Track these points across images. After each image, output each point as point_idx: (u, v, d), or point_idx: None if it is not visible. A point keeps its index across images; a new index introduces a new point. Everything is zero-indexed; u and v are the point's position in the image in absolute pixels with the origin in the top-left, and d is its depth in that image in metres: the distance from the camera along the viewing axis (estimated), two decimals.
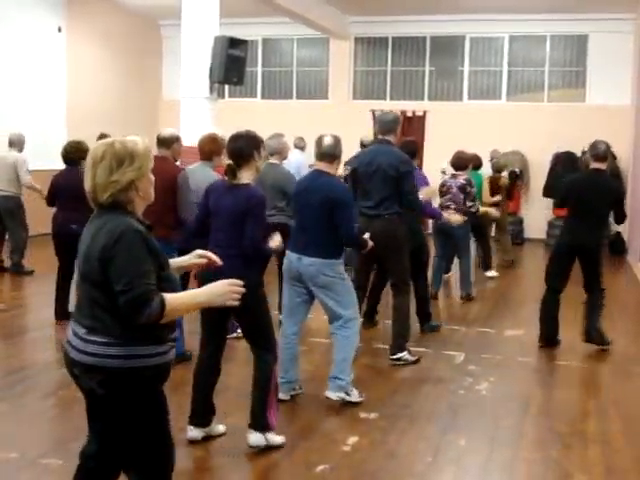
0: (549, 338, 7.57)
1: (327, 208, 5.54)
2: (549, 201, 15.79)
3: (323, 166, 5.71)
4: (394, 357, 6.87)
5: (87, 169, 3.10)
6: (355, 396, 5.76)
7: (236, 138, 4.95)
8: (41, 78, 14.75)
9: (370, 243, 5.83)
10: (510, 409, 5.85)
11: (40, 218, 10.10)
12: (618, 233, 14.93)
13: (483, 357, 7.21)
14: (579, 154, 15.55)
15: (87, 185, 3.09)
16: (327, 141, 5.69)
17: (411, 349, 7.04)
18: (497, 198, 11.91)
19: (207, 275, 4.12)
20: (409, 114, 17.02)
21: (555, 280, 7.58)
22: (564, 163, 15.50)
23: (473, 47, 16.95)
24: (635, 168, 14.17)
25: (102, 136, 12.61)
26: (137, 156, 3.09)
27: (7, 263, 10.92)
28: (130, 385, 3.06)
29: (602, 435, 5.33)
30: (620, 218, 7.47)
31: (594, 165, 7.42)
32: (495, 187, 12.09)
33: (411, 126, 16.97)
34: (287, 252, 5.72)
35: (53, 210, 8.14)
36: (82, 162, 8.03)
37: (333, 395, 5.71)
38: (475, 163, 11.26)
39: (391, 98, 17.45)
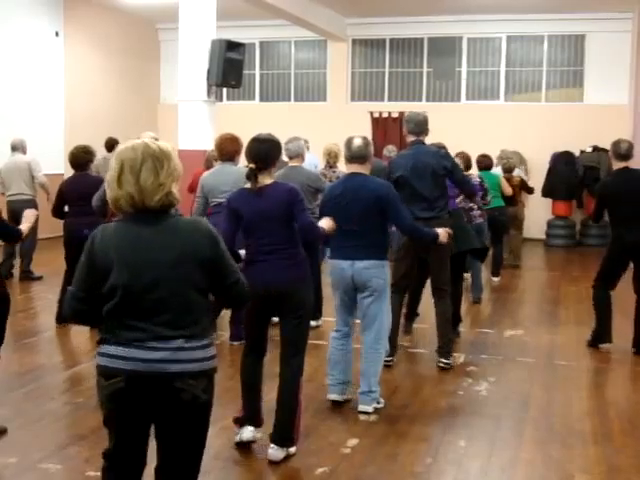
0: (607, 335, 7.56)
1: (377, 207, 5.52)
2: (548, 201, 15.80)
3: (356, 168, 5.64)
4: (446, 362, 6.77)
5: (122, 173, 2.99)
6: (382, 402, 5.79)
7: (263, 141, 4.83)
8: (39, 82, 14.76)
9: (442, 232, 5.88)
10: (510, 410, 5.84)
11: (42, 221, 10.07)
12: None
13: (483, 358, 7.20)
14: (577, 154, 15.57)
15: (126, 189, 2.98)
16: (357, 142, 5.64)
17: (412, 351, 7.02)
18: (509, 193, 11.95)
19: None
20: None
21: (613, 280, 7.54)
22: (563, 163, 15.51)
23: (471, 47, 16.95)
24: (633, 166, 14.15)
25: (110, 141, 12.64)
26: (172, 158, 3.08)
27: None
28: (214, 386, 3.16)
29: (603, 435, 5.32)
30: None
31: (620, 164, 7.36)
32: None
33: None
34: (331, 261, 5.69)
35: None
36: (90, 166, 8.07)
37: (369, 408, 5.66)
38: (487, 164, 11.31)
39: (389, 99, 17.45)
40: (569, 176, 15.32)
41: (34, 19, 14.59)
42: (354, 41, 17.58)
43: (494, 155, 15.45)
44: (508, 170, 12.28)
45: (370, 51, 17.63)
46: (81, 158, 7.99)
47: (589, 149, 15.53)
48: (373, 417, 5.54)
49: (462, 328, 8.23)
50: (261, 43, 18.11)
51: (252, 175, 4.71)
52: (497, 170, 12.40)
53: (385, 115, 17.17)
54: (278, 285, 4.70)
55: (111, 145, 12.57)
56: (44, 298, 9.52)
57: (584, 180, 15.45)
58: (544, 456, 4.92)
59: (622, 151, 7.30)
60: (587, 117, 15.63)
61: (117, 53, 16.82)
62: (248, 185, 4.76)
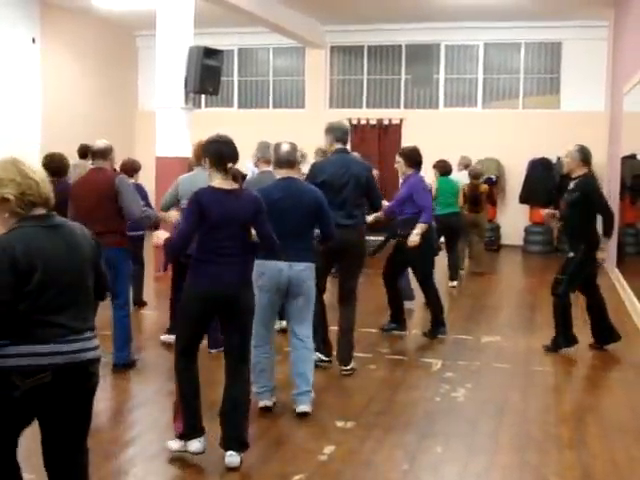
0: None
1: (314, 211, 5.69)
2: (525, 207, 15.89)
3: (287, 172, 5.75)
4: (346, 368, 6.82)
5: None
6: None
7: (231, 142, 4.87)
8: (15, 90, 14.66)
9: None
10: (487, 415, 5.86)
11: None
12: None
13: (460, 364, 7.21)
14: (554, 160, 15.66)
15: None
16: (285, 147, 5.76)
17: (389, 357, 7.02)
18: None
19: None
20: (385, 122, 17.08)
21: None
22: (540, 169, 15.60)
23: (448, 55, 17.03)
24: (609, 173, 14.27)
25: (83, 148, 12.55)
26: None
27: None
28: None
29: (578, 440, 5.35)
30: None
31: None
32: (475, 194, 12.19)
33: (387, 134, 17.03)
34: (265, 262, 5.52)
35: None
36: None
37: (310, 408, 5.69)
38: (446, 169, 11.36)
39: (367, 106, 17.49)
40: (546, 183, 15.41)
41: (10, 26, 14.49)
42: (332, 48, 17.62)
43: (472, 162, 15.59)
44: (475, 177, 12.34)
45: (348, 58, 17.67)
46: (63, 166, 7.96)
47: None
48: (350, 424, 5.53)
49: (440, 334, 8.24)
50: (239, 50, 18.10)
51: (232, 175, 4.79)
52: (460, 175, 12.47)
53: (363, 122, 17.21)
54: (231, 289, 4.70)
55: (84, 152, 12.48)
56: None
57: (561, 187, 15.52)
58: (520, 461, 4.94)
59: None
60: (564, 124, 15.72)
61: (94, 60, 16.75)
62: (216, 185, 4.76)
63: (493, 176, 15.83)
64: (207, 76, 11.28)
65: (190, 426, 4.80)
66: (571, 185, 7.47)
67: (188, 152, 11.51)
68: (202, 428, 4.84)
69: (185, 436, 4.81)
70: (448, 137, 16.10)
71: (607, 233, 7.73)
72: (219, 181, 4.74)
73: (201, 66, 11.10)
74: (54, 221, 3.34)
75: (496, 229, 16.06)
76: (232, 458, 4.70)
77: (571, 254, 7.45)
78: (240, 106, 18.23)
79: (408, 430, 5.51)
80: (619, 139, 12.63)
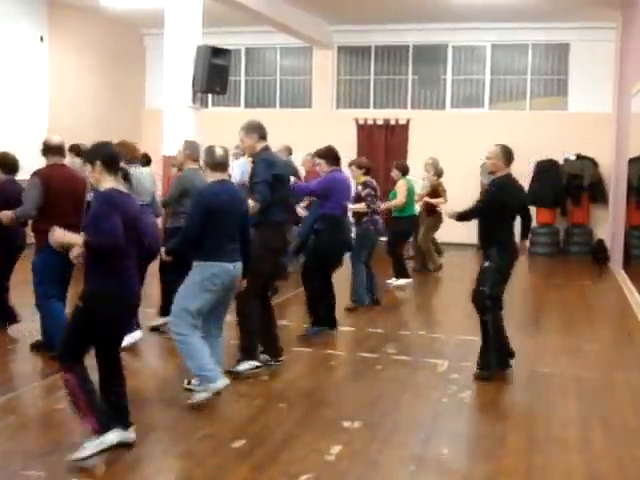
0: None
1: (245, 214, 6.03)
2: (532, 209, 15.78)
3: (221, 175, 5.94)
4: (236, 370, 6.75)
5: None
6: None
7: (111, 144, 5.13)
8: (23, 88, 14.70)
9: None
10: (493, 417, 5.87)
11: None
12: (600, 240, 15.02)
13: (465, 365, 7.19)
14: (561, 162, 15.65)
15: None
16: (220, 151, 5.93)
17: (396, 358, 7.01)
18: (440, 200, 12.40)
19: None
20: (392, 122, 17.08)
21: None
22: (546, 171, 15.58)
23: (456, 55, 17.02)
24: (616, 175, 14.26)
25: (73, 148, 12.62)
26: None
27: None
28: None
29: (584, 442, 5.35)
30: None
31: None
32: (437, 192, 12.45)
33: (394, 134, 17.04)
34: (215, 263, 5.75)
35: None
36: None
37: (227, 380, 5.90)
38: (406, 169, 11.56)
39: (374, 106, 17.49)
40: (553, 184, 15.40)
41: (18, 24, 14.54)
42: (339, 48, 17.62)
43: (478, 163, 15.62)
44: (439, 175, 12.43)
45: (355, 58, 17.66)
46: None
47: (573, 157, 15.63)
48: (357, 424, 5.54)
49: (442, 335, 8.25)
50: (247, 49, 18.11)
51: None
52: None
53: (370, 122, 17.21)
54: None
55: (77, 151, 12.55)
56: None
57: (568, 188, 15.54)
58: (526, 463, 4.94)
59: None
60: (571, 125, 15.72)
61: (102, 58, 16.78)
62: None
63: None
64: (214, 75, 11.29)
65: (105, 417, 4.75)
66: (490, 184, 7.23)
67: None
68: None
69: (104, 427, 4.74)
70: (455, 138, 16.11)
71: (524, 235, 7.38)
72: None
73: (208, 65, 11.11)
74: None
75: None
76: (133, 435, 4.89)
77: (486, 263, 6.87)
78: (247, 105, 18.24)
79: (415, 431, 5.52)
80: (626, 141, 12.62)
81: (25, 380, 6.49)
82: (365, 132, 17.23)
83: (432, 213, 12.48)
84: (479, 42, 16.81)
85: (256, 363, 6.64)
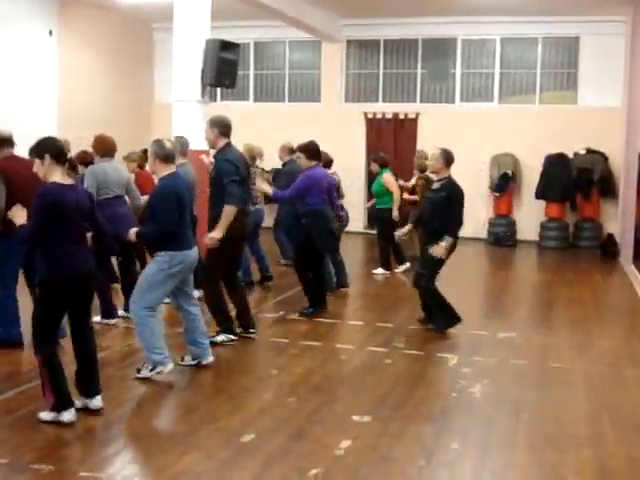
0: None
1: (192, 199, 6.61)
2: (541, 203, 15.82)
3: (173, 167, 6.27)
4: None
5: None
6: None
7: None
8: (32, 82, 14.70)
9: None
10: (503, 412, 5.85)
11: None
12: (610, 235, 14.97)
13: (476, 359, 7.19)
14: (571, 156, 15.59)
15: None
16: (170, 144, 6.31)
17: (406, 352, 7.00)
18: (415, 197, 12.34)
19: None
20: (401, 116, 17.03)
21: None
22: (556, 165, 15.53)
23: (465, 49, 16.95)
24: (626, 169, 14.20)
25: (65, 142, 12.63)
26: None
27: None
28: None
29: (595, 438, 5.33)
30: None
31: None
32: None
33: (403, 128, 16.99)
34: (179, 253, 6.16)
35: None
36: None
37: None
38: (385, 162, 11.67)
39: (383, 100, 17.44)
40: (562, 178, 15.34)
41: (28, 18, 14.53)
42: (348, 42, 17.57)
43: (487, 159, 15.60)
44: (421, 170, 12.34)
45: (364, 52, 17.61)
46: None
47: (582, 151, 15.56)
48: (366, 418, 5.53)
49: (452, 329, 8.24)
50: (255, 43, 18.08)
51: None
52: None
53: (379, 116, 17.17)
54: None
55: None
56: None
57: (577, 182, 15.48)
58: (537, 459, 4.92)
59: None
60: (581, 119, 15.65)
61: (111, 53, 16.77)
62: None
63: (509, 171, 15.78)
64: (223, 69, 11.25)
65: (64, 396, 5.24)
66: (436, 185, 8.06)
67: (204, 145, 11.56)
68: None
69: (62, 404, 5.18)
70: (464, 132, 16.05)
71: (453, 234, 7.83)
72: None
73: (218, 59, 11.08)
74: None
75: (512, 224, 16.01)
76: (97, 402, 5.42)
77: (430, 251, 7.82)
78: (256, 99, 18.21)
79: (424, 425, 5.50)
80: (636, 135, 12.57)
81: (34, 374, 6.50)
82: (374, 126, 17.19)
83: (414, 206, 12.45)
84: (489, 36, 16.73)
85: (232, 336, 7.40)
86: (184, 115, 11.31)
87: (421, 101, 17.19)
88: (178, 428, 5.18)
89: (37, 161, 5.10)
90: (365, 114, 17.25)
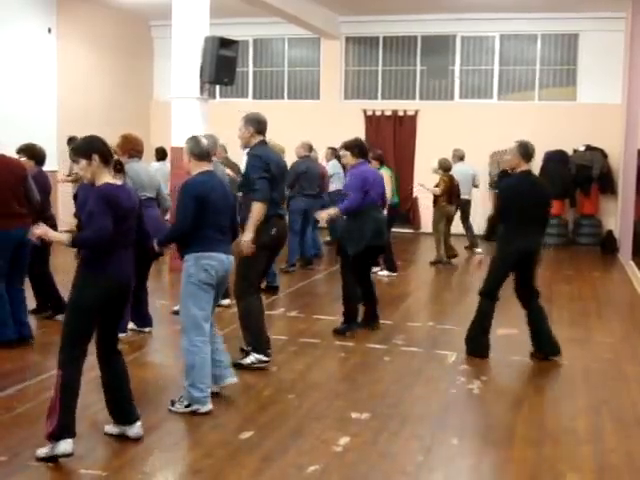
0: None
1: (234, 206, 5.91)
2: None
3: (208, 165, 5.77)
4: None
5: None
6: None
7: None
8: (31, 79, 14.70)
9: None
10: (502, 408, 5.85)
11: None
12: (610, 231, 14.97)
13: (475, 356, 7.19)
14: (570, 152, 15.59)
15: None
16: (206, 141, 5.82)
17: (404, 349, 7.00)
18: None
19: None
20: (400, 113, 17.04)
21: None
22: (555, 162, 15.52)
23: (464, 46, 16.95)
24: (625, 166, 14.20)
25: (72, 139, 12.70)
26: None
27: None
28: None
29: (594, 433, 5.34)
30: None
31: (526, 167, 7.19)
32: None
33: (403, 125, 17.00)
34: (209, 254, 5.58)
35: None
36: None
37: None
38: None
39: (382, 97, 17.44)
40: (562, 175, 15.34)
41: (27, 16, 14.53)
42: (347, 39, 17.57)
43: (487, 154, 15.59)
44: (445, 170, 12.45)
45: (363, 49, 17.61)
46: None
47: (582, 148, 15.56)
48: (365, 415, 5.53)
49: (451, 326, 8.24)
50: (254, 40, 18.08)
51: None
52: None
53: (378, 113, 17.17)
54: None
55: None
56: None
57: (577, 179, 15.48)
58: (536, 455, 4.93)
59: (531, 152, 7.15)
60: (580, 116, 15.65)
61: (110, 50, 16.78)
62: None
63: (508, 168, 15.75)
64: (222, 66, 11.26)
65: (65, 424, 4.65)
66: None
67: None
68: (74, 428, 4.73)
69: (58, 434, 4.65)
70: (463, 129, 16.06)
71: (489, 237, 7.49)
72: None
73: (216, 56, 11.08)
74: None
75: None
76: (138, 430, 4.97)
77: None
78: (255, 97, 18.22)
79: (423, 422, 5.51)
80: (636, 131, 12.56)
81: (36, 371, 6.50)
82: (373, 123, 17.19)
83: (434, 205, 12.61)
84: (488, 32, 16.73)
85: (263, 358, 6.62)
86: (183, 112, 11.32)
87: (420, 98, 17.20)
88: (177, 425, 5.17)
89: (82, 162, 4.72)
90: (364, 111, 17.25)
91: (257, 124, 6.72)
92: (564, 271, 12.56)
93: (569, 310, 9.43)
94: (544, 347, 7.15)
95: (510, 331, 8.22)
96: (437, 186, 12.47)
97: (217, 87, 13.37)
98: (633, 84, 13.63)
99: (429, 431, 5.31)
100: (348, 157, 8.08)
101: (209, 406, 5.48)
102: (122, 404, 4.95)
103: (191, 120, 11.24)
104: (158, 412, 5.48)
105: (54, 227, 7.70)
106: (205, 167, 5.71)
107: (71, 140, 12.65)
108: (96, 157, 4.70)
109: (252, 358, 6.55)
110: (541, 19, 15.97)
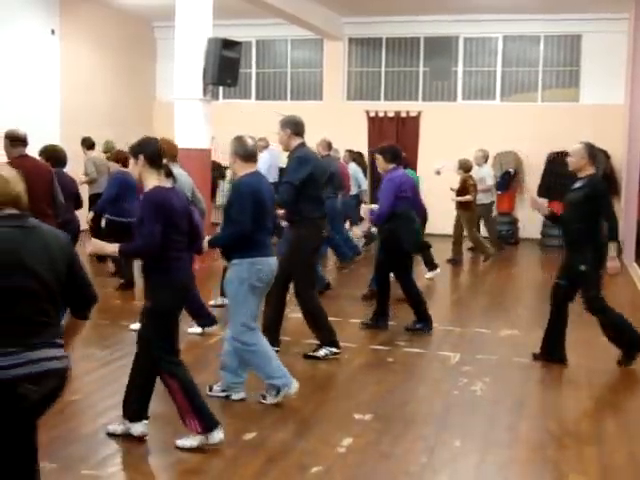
0: None
1: (274, 207, 5.91)
2: (544, 201, 15.77)
3: (253, 166, 5.70)
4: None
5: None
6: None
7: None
8: (35, 81, 14.71)
9: None
10: (505, 409, 5.85)
11: None
12: None
13: (478, 357, 7.19)
14: None
15: None
16: (252, 142, 5.70)
17: (407, 350, 7.00)
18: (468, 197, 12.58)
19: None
20: (403, 115, 17.03)
21: None
22: (558, 163, 15.49)
23: (467, 47, 16.95)
24: (628, 167, 14.18)
25: (86, 140, 12.71)
26: None
27: None
28: None
29: (597, 435, 5.33)
30: None
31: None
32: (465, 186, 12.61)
33: (405, 127, 16.99)
34: (259, 259, 5.55)
35: None
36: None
37: None
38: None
39: (385, 99, 17.44)
40: (565, 176, 15.30)
41: (30, 17, 14.54)
42: (350, 40, 17.57)
43: (490, 155, 15.54)
44: (466, 170, 12.58)
45: (366, 50, 17.61)
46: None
47: None
48: (368, 416, 5.53)
49: (454, 327, 8.24)
50: (257, 41, 18.08)
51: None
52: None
53: (381, 114, 17.17)
54: None
55: (91, 144, 12.68)
56: None
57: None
58: (539, 456, 4.93)
59: (597, 154, 7.05)
60: (583, 117, 15.63)
61: (113, 51, 16.79)
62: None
63: (511, 169, 15.77)
64: (225, 68, 11.27)
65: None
66: (578, 184, 6.88)
67: (206, 143, 11.57)
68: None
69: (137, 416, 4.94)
70: (466, 130, 16.05)
71: (614, 237, 6.95)
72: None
73: (219, 58, 11.09)
74: (26, 222, 3.18)
75: (514, 222, 16.00)
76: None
77: (582, 267, 6.74)
78: (258, 98, 18.22)
79: (426, 423, 5.51)
80: (638, 132, 12.56)
81: None
82: (376, 124, 17.19)
83: (466, 208, 12.68)
84: (490, 34, 16.73)
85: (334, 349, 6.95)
86: (186, 113, 11.34)
87: (423, 99, 17.20)
88: (180, 427, 5.17)
89: (131, 160, 4.85)
90: (367, 112, 17.24)
91: (294, 126, 6.75)
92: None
93: (572, 311, 9.39)
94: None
95: (512, 332, 8.23)
96: (462, 189, 12.57)
97: (220, 88, 13.43)
98: (636, 85, 13.62)
99: (432, 432, 5.31)
100: (380, 161, 8.09)
101: (295, 383, 5.68)
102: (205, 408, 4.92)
103: (194, 121, 11.25)
104: (162, 413, 5.48)
105: (77, 231, 7.81)
106: (252, 168, 5.66)
107: (85, 140, 12.71)
108: (142, 157, 4.78)
109: (325, 351, 6.87)
110: (544, 20, 15.96)
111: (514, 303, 10.18)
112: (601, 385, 6.61)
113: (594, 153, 6.92)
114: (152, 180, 4.78)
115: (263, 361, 5.63)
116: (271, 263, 5.66)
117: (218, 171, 14.00)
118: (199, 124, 11.26)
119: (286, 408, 5.68)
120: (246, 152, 5.60)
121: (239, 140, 5.64)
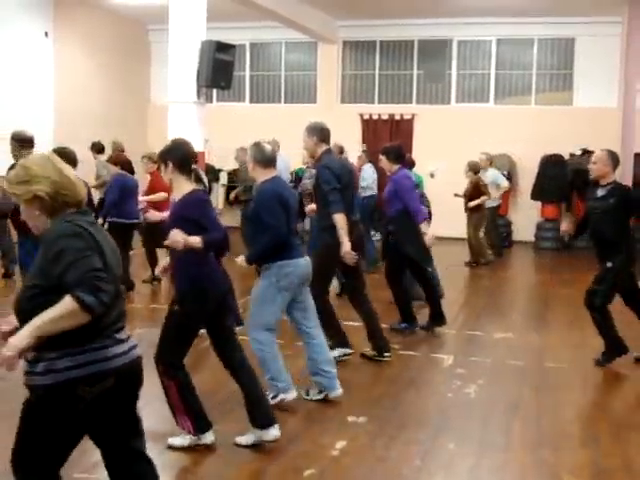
0: None
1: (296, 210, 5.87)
2: (537, 204, 15.83)
3: (272, 172, 5.61)
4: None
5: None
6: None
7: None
8: (28, 83, 14.68)
9: None
10: (499, 412, 5.85)
11: None
12: None
13: (472, 360, 7.20)
14: (567, 157, 15.60)
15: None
16: (270, 147, 5.64)
17: (402, 352, 7.00)
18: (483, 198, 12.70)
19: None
20: (397, 117, 17.04)
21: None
22: (552, 166, 15.53)
23: (461, 50, 16.97)
24: (622, 170, 14.20)
25: (95, 145, 12.78)
26: None
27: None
28: None
29: (591, 438, 5.33)
30: None
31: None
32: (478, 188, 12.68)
33: (399, 129, 16.99)
34: (290, 261, 5.54)
35: None
36: None
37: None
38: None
39: (379, 102, 17.46)
40: (558, 179, 15.35)
41: (23, 20, 14.52)
42: (345, 43, 17.58)
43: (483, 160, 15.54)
44: (475, 172, 12.60)
45: (360, 53, 17.62)
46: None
47: (578, 152, 15.57)
48: (362, 419, 5.52)
49: (448, 330, 8.25)
50: (251, 44, 18.08)
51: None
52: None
53: (375, 117, 17.18)
54: None
55: (100, 148, 12.76)
56: None
57: (573, 183, 15.48)
58: (533, 459, 4.93)
59: (619, 161, 7.03)
60: (576, 120, 15.67)
61: (107, 54, 16.76)
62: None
63: (505, 172, 15.78)
64: (219, 70, 11.25)
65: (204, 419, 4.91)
66: (601, 192, 6.95)
67: (200, 146, 11.55)
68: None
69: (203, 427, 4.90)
70: (460, 133, 16.08)
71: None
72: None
73: (213, 60, 11.07)
74: (93, 220, 3.27)
75: (508, 225, 16.02)
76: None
77: (609, 264, 6.88)
78: (252, 101, 18.22)
79: (420, 426, 5.51)
80: (632, 135, 12.60)
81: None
82: (370, 127, 17.20)
83: (477, 210, 12.77)
84: (484, 37, 16.76)
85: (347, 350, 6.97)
86: (180, 116, 11.31)
87: (417, 102, 17.22)
88: (174, 429, 5.16)
89: (161, 167, 4.84)
90: (361, 115, 17.25)
91: (320, 132, 6.74)
92: (561, 275, 12.57)
93: (566, 314, 9.42)
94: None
95: (506, 335, 8.23)
96: (473, 191, 12.69)
97: (214, 91, 13.40)
98: (629, 88, 13.66)
99: (426, 435, 5.30)
100: (384, 161, 8.14)
101: (294, 393, 5.67)
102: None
103: (188, 124, 11.22)
104: (156, 417, 5.46)
105: None
106: (271, 173, 5.58)
107: (94, 145, 12.77)
108: (170, 164, 4.77)
109: (337, 352, 6.81)
110: (537, 23, 16.00)
111: (508, 306, 10.20)
112: (595, 387, 6.62)
113: (617, 160, 6.94)
114: (185, 185, 4.77)
115: (272, 359, 5.62)
116: (302, 264, 5.61)
117: (212, 174, 14.00)
118: (193, 127, 11.23)
119: (280, 411, 5.66)
120: (265, 158, 5.55)
121: (257, 146, 5.58)
